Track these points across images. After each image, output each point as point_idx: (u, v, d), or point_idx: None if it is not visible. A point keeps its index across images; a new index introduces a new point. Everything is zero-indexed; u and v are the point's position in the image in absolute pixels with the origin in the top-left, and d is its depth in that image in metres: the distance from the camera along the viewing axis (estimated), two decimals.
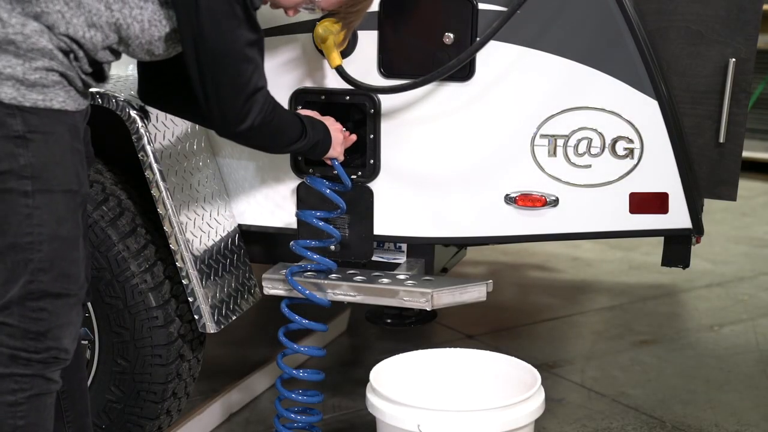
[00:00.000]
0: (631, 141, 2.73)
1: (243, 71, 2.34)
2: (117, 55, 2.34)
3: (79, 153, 2.26)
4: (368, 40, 2.79)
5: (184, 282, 2.76)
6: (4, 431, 2.24)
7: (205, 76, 2.32)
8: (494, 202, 2.82)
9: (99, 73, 2.33)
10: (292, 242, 2.83)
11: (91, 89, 2.37)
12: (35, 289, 2.20)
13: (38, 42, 2.16)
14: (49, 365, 2.26)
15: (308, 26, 2.79)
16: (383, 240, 2.98)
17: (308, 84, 2.86)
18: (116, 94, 2.68)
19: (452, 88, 2.77)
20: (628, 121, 2.72)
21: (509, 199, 2.81)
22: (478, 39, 2.70)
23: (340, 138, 2.75)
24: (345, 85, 2.76)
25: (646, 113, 2.71)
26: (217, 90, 2.34)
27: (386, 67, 2.79)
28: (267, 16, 2.76)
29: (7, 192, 2.16)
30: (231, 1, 2.27)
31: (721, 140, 2.75)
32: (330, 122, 2.74)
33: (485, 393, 2.76)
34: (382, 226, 2.90)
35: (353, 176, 2.86)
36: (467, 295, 2.84)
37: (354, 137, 2.81)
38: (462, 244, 3.34)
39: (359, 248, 2.91)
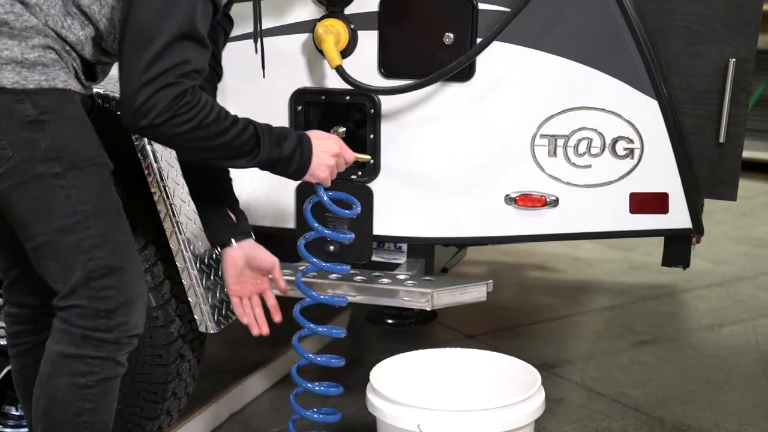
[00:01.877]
0: (631, 141, 2.73)
1: (152, 39, 2.06)
2: (107, 55, 2.28)
3: (93, 130, 2.23)
4: (368, 40, 2.79)
5: (184, 282, 2.75)
6: (71, 412, 2.23)
7: (119, 37, 2.13)
8: (494, 202, 2.82)
9: (91, 73, 2.29)
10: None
11: (89, 85, 2.32)
12: (95, 267, 2.18)
13: (30, 20, 2.12)
14: (121, 346, 2.25)
15: (308, 26, 2.79)
16: (383, 240, 2.98)
17: (308, 84, 2.86)
18: (116, 94, 2.68)
19: (452, 88, 2.77)
20: (628, 121, 2.72)
21: (509, 199, 2.81)
22: (479, 39, 2.70)
23: (326, 160, 2.37)
24: (345, 85, 2.76)
25: (646, 113, 2.71)
26: (121, 56, 2.11)
27: (386, 67, 2.79)
28: (267, 16, 2.77)
29: (38, 178, 2.13)
30: None
31: (722, 140, 2.75)
32: (318, 139, 2.38)
33: (485, 393, 2.75)
34: (382, 226, 2.90)
35: (353, 176, 2.86)
36: (467, 295, 2.84)
37: (352, 157, 2.47)
38: (462, 244, 3.34)
39: (359, 248, 2.91)
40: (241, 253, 2.60)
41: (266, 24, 2.81)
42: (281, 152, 2.29)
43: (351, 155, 2.46)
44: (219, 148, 2.21)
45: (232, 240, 2.60)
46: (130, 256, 2.26)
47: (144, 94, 2.07)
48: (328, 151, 2.38)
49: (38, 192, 2.14)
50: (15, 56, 2.10)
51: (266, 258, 2.60)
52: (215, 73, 2.63)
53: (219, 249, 2.64)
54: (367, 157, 2.63)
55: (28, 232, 2.19)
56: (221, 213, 2.63)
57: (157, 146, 2.69)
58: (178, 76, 2.08)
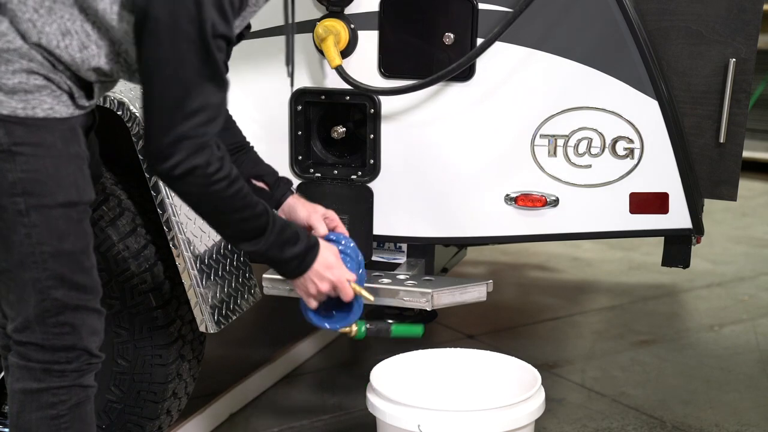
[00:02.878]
0: (631, 141, 2.73)
1: (177, 95, 2.01)
2: (106, 75, 2.17)
3: (78, 158, 2.12)
4: (368, 40, 2.79)
5: (185, 282, 2.75)
6: None
7: (142, 81, 2.05)
8: (494, 202, 2.82)
9: (88, 91, 2.17)
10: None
11: (85, 104, 2.17)
12: (50, 306, 2.13)
13: (14, 41, 2.02)
14: (83, 372, 2.21)
15: (308, 26, 2.79)
16: (383, 240, 2.98)
17: (308, 84, 2.86)
18: (116, 94, 2.68)
19: (453, 89, 2.77)
20: (629, 121, 2.72)
21: (509, 199, 2.81)
22: (479, 39, 2.70)
23: (315, 285, 2.32)
24: (345, 85, 2.76)
25: (646, 113, 2.71)
26: (145, 103, 2.05)
27: (386, 67, 2.79)
28: (267, 16, 2.77)
29: (3, 209, 2.07)
30: (191, 19, 1.97)
31: (722, 140, 2.75)
32: (324, 265, 2.31)
33: (485, 393, 2.76)
34: (382, 226, 2.90)
35: (353, 176, 2.86)
36: (467, 295, 2.84)
37: (349, 297, 2.38)
38: (462, 244, 3.34)
39: (359, 248, 2.90)
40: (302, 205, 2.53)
41: (266, 24, 2.81)
42: (281, 254, 2.26)
43: (349, 294, 2.39)
44: (229, 218, 2.18)
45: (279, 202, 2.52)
46: (88, 297, 2.19)
47: (176, 141, 2.02)
48: (324, 278, 2.33)
49: (1, 223, 2.08)
50: None
51: (302, 216, 2.50)
52: None
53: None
54: (371, 298, 2.46)
55: None
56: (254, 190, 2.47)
57: None
58: (199, 127, 2.03)
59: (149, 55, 2.01)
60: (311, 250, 2.30)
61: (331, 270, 2.34)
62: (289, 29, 2.41)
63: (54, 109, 2.07)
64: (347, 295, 2.38)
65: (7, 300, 2.19)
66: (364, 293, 2.44)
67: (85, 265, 2.17)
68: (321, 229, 2.48)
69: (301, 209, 2.52)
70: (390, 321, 2.72)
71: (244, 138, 2.56)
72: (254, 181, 2.51)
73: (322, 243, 2.35)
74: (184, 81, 2.00)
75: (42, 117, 2.06)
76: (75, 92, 2.12)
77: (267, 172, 2.55)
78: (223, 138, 2.23)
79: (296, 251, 2.27)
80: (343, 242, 2.48)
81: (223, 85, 2.07)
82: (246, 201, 2.16)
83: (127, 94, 2.70)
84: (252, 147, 2.56)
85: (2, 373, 2.90)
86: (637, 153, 2.74)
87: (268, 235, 2.21)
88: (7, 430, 2.97)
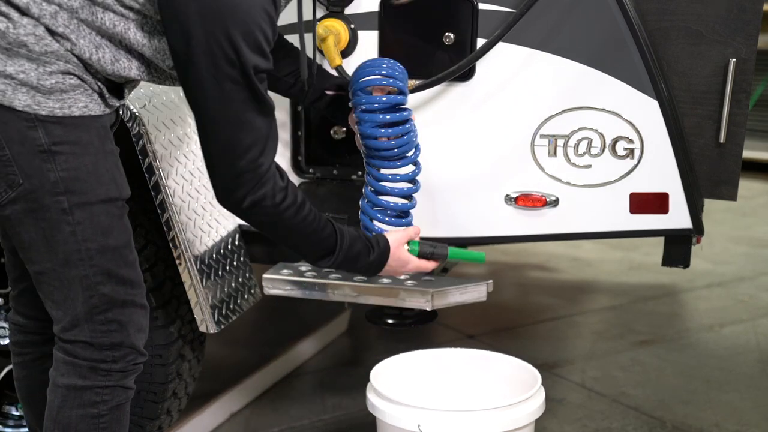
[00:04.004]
0: (631, 141, 2.73)
1: (229, 134, 2.10)
2: (136, 81, 2.24)
3: (113, 154, 2.18)
4: (368, 40, 2.79)
5: (185, 282, 2.75)
6: None
7: (195, 116, 2.14)
8: (494, 202, 2.82)
9: (118, 92, 2.23)
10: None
11: (115, 103, 2.22)
12: (98, 303, 2.17)
13: (51, 44, 2.05)
14: (128, 373, 2.25)
15: (308, 26, 2.79)
16: None
17: None
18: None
19: (452, 89, 2.77)
20: (629, 121, 2.72)
21: (509, 200, 2.81)
22: (479, 39, 2.70)
23: (402, 272, 2.54)
24: None
25: (646, 113, 2.71)
26: (201, 140, 2.15)
27: None
28: None
29: (46, 209, 2.10)
30: (232, 63, 2.03)
31: (722, 140, 2.74)
32: (396, 260, 2.48)
33: (485, 393, 2.76)
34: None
35: (353, 176, 2.86)
36: (467, 295, 2.84)
37: (434, 265, 2.58)
38: (462, 244, 3.34)
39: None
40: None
41: None
42: (355, 266, 2.43)
43: (431, 267, 2.58)
44: (300, 241, 2.31)
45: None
46: (135, 291, 2.24)
47: (230, 178, 2.14)
48: (400, 272, 2.55)
49: (45, 222, 2.11)
50: (30, 80, 2.04)
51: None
52: None
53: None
54: (441, 260, 2.61)
55: (32, 257, 2.17)
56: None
57: (157, 146, 2.69)
58: (256, 160, 2.12)
59: (196, 95, 2.08)
60: (382, 255, 2.44)
61: (405, 267, 2.51)
62: (301, 30, 2.42)
63: (89, 107, 2.11)
64: (427, 267, 2.57)
65: (53, 301, 2.21)
66: (436, 264, 2.60)
67: (130, 259, 2.23)
68: None
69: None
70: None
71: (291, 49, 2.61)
72: (328, 92, 2.64)
73: (392, 243, 2.47)
74: (233, 119, 2.08)
75: (78, 115, 2.10)
76: (105, 93, 2.17)
77: (333, 81, 2.65)
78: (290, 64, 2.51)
79: (368, 261, 2.42)
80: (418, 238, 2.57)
81: (270, 113, 2.15)
82: (313, 226, 2.29)
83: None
84: (291, 47, 2.61)
85: (2, 373, 2.91)
86: (637, 153, 2.74)
87: (338, 254, 2.35)
88: (7, 430, 2.98)
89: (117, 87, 2.21)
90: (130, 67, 2.16)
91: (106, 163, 2.15)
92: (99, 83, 2.14)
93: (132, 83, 2.27)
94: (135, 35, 2.12)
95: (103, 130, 2.16)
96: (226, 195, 2.17)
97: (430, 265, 2.56)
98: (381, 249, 2.44)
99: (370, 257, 2.41)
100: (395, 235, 2.50)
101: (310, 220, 2.27)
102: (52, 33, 2.06)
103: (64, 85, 2.07)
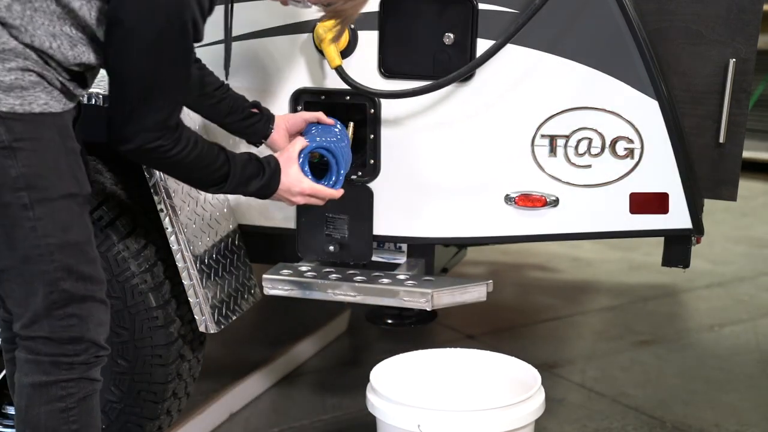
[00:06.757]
0: (631, 141, 2.73)
1: (131, 80, 2.15)
2: (94, 67, 2.24)
3: (74, 152, 2.19)
4: (368, 40, 2.79)
5: (185, 282, 2.75)
6: None
7: (112, 72, 2.18)
8: (494, 202, 2.82)
9: (81, 80, 2.24)
10: None
11: (80, 92, 2.25)
12: (58, 298, 2.17)
13: (9, 42, 2.07)
14: (91, 365, 2.25)
15: (308, 26, 2.79)
16: (383, 240, 2.98)
17: (308, 84, 2.86)
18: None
19: (452, 89, 2.77)
20: (629, 121, 2.72)
21: (509, 200, 2.81)
22: (479, 40, 2.70)
23: (287, 200, 2.56)
24: (345, 85, 2.76)
25: (646, 113, 2.70)
26: (112, 91, 2.19)
27: (386, 67, 2.79)
28: (267, 17, 2.77)
29: (6, 206, 2.11)
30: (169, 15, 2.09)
31: (722, 140, 2.74)
32: (288, 184, 2.52)
33: (485, 393, 2.76)
34: (382, 226, 2.90)
35: (353, 176, 2.86)
36: (467, 295, 2.84)
37: (328, 195, 2.62)
38: (462, 244, 3.34)
39: (359, 249, 2.91)
40: (283, 126, 2.74)
41: (267, 24, 2.81)
42: (246, 189, 2.46)
43: (321, 202, 2.62)
44: (188, 178, 2.40)
45: (269, 126, 2.72)
46: (95, 287, 2.23)
47: (131, 132, 2.18)
48: (293, 194, 2.54)
49: (6, 219, 2.12)
50: None
51: (298, 118, 2.75)
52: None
53: (265, 142, 2.75)
54: (338, 194, 2.65)
55: None
56: (244, 116, 2.72)
57: None
58: (164, 125, 2.19)
59: (122, 55, 2.13)
60: (273, 176, 2.48)
61: (299, 187, 2.52)
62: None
63: (49, 104, 2.13)
64: (326, 193, 2.60)
65: (13, 298, 2.21)
66: (334, 193, 2.64)
67: (90, 255, 2.23)
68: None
69: (280, 142, 2.74)
70: None
71: (218, 78, 2.71)
72: (252, 110, 2.73)
73: (283, 164, 2.51)
74: (157, 80, 2.14)
75: (38, 112, 2.11)
76: (68, 85, 2.18)
77: (247, 102, 2.75)
78: (206, 87, 2.63)
79: (260, 183, 2.45)
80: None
81: (188, 85, 2.25)
82: (207, 160, 2.33)
83: None
84: (227, 87, 2.71)
85: (2, 373, 2.90)
86: (637, 153, 2.74)
87: (231, 179, 2.38)
88: (7, 430, 2.97)
89: (79, 75, 2.22)
90: (87, 52, 2.17)
91: (67, 159, 2.16)
92: (60, 77, 2.16)
93: (93, 70, 2.26)
94: (89, 14, 2.14)
95: (64, 129, 2.17)
96: (120, 143, 2.20)
97: (326, 190, 2.59)
98: (272, 169, 2.48)
99: (263, 179, 2.45)
100: (284, 154, 2.56)
101: (203, 155, 2.30)
102: (8, 27, 2.08)
103: (23, 82, 2.08)
